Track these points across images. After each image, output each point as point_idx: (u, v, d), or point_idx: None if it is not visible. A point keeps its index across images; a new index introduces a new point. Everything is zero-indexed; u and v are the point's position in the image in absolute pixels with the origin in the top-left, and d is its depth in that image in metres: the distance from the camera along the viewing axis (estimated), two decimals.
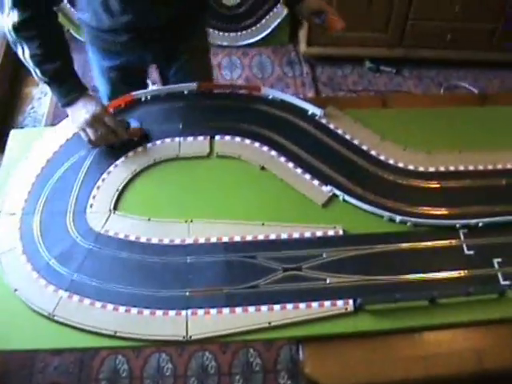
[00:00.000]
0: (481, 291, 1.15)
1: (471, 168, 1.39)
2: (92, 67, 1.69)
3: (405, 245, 1.22)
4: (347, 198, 1.29)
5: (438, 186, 1.35)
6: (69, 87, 1.35)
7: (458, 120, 1.52)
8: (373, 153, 1.40)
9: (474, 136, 1.48)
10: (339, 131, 1.44)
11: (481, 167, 1.40)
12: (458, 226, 1.26)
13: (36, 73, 1.32)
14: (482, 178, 1.38)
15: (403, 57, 3.04)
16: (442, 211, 1.29)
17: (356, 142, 1.42)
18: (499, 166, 1.40)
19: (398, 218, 1.25)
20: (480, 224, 1.26)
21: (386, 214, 1.26)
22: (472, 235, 1.25)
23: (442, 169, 1.38)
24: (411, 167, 1.38)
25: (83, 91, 1.36)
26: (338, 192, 1.30)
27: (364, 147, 1.41)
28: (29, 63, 1.32)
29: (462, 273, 1.19)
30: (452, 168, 1.39)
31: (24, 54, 1.30)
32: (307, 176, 1.33)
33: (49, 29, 1.33)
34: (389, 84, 2.99)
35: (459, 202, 1.31)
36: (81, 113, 1.32)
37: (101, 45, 1.56)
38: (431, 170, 1.38)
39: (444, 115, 1.53)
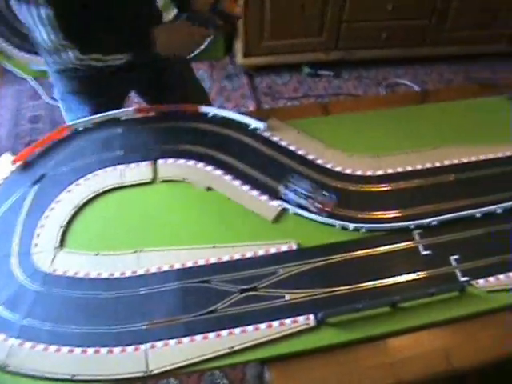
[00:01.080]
0: (441, 291, 1.16)
1: (419, 167, 1.42)
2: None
3: (360, 252, 1.23)
4: (297, 210, 1.29)
5: (388, 188, 1.37)
6: None
7: (401, 120, 1.55)
8: (319, 162, 1.41)
9: (418, 134, 1.51)
10: (283, 143, 1.45)
11: (429, 165, 1.43)
12: (411, 227, 1.27)
13: None
14: (431, 176, 1.40)
15: (341, 59, 3.09)
16: (395, 214, 1.31)
17: (301, 152, 1.43)
18: (446, 162, 1.44)
19: (351, 225, 1.26)
20: (433, 223, 1.28)
21: (339, 222, 1.27)
22: (427, 235, 1.27)
23: (390, 171, 1.40)
24: (359, 172, 1.40)
25: None
26: (287, 206, 1.31)
27: (310, 157, 1.42)
28: None
29: (421, 274, 1.21)
30: (400, 169, 1.41)
31: None
32: (255, 192, 1.33)
33: None
34: (328, 88, 3.03)
35: (411, 203, 1.33)
36: None
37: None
38: (380, 173, 1.40)
39: (387, 116, 1.56)
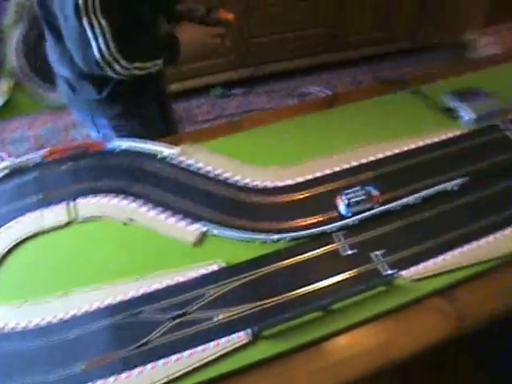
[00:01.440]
0: (368, 287, 1.19)
1: (337, 169, 1.47)
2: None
3: (286, 262, 1.25)
4: (218, 230, 1.31)
5: (307, 195, 1.40)
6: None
7: (309, 127, 1.59)
8: (236, 179, 1.43)
9: (328, 139, 1.55)
10: (198, 165, 1.46)
11: (346, 166, 1.48)
12: (333, 229, 1.31)
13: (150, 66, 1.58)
14: (349, 177, 1.45)
15: (251, 76, 3.13)
16: (315, 219, 1.34)
17: (217, 172, 1.44)
18: (363, 161, 1.49)
19: (275, 237, 1.28)
20: (353, 222, 1.32)
21: (262, 236, 1.29)
22: (349, 235, 1.31)
23: (309, 177, 1.43)
24: (278, 183, 1.42)
25: None
26: (207, 227, 1.32)
27: (226, 175, 1.43)
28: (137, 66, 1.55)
29: (347, 274, 1.23)
30: (319, 174, 1.44)
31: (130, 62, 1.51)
32: (174, 219, 1.33)
33: None
34: (242, 106, 3.08)
35: (328, 207, 1.36)
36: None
37: None
38: (297, 180, 1.43)
39: (296, 124, 1.60)
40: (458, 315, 1.21)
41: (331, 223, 1.31)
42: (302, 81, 3.31)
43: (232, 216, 1.35)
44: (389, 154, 1.53)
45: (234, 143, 1.55)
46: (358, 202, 1.36)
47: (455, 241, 1.31)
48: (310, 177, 1.44)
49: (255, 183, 1.42)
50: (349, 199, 1.36)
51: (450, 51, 3.50)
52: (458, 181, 1.43)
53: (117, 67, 1.50)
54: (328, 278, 1.22)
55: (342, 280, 1.23)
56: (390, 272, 1.23)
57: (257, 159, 1.48)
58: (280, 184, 1.42)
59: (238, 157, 1.49)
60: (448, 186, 1.42)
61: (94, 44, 1.44)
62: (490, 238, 1.32)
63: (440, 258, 1.27)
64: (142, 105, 1.84)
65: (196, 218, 1.34)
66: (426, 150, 1.54)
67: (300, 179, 1.43)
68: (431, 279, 1.24)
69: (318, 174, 1.45)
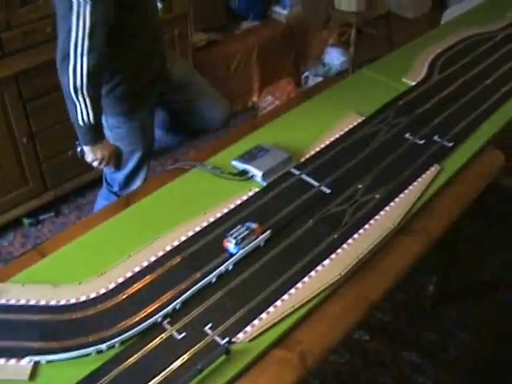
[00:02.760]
0: (209, 362, 1.23)
1: (145, 264, 1.50)
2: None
3: (123, 365, 1.25)
4: (48, 358, 1.29)
5: (124, 296, 1.41)
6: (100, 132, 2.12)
7: (109, 233, 1.63)
8: (52, 303, 1.41)
9: (128, 241, 1.59)
10: (11, 302, 1.43)
11: (153, 258, 1.52)
12: (159, 320, 1.34)
13: (89, 117, 1.99)
14: (159, 267, 1.49)
15: (56, 197, 3.12)
16: (143, 313, 1.36)
17: (32, 302, 1.42)
18: (168, 248, 1.54)
19: (103, 346, 1.29)
20: (177, 306, 1.36)
21: (91, 349, 1.28)
22: (177, 319, 1.34)
23: (120, 280, 1.46)
24: (93, 294, 1.43)
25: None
26: (38, 358, 1.29)
27: (41, 303, 1.42)
28: (87, 104, 1.96)
29: (186, 357, 1.26)
30: (129, 274, 1.47)
31: (85, 96, 1.95)
32: (2, 361, 1.29)
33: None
34: (55, 229, 3.05)
35: (150, 300, 1.39)
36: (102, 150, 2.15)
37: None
38: (114, 284, 1.44)
39: (97, 235, 1.63)
40: (300, 357, 1.29)
41: (155, 314, 1.34)
42: None
43: (59, 340, 1.33)
44: (197, 229, 1.60)
45: (43, 268, 1.54)
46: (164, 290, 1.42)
47: (277, 291, 1.40)
48: (121, 280, 1.46)
49: (73, 300, 1.42)
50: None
51: (241, 116, 3.74)
52: (263, 236, 1.53)
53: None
54: (169, 366, 1.25)
55: (184, 363, 1.25)
56: (225, 341, 1.28)
57: (70, 277, 1.48)
58: (96, 294, 1.43)
59: (50, 281, 1.48)
60: (256, 243, 1.51)
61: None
62: (306, 278, 1.44)
63: (268, 311, 1.35)
64: (142, 108, 2.31)
65: (24, 353, 1.30)
66: (231, 215, 1.64)
67: (113, 284, 1.45)
68: (265, 334, 1.31)
69: (129, 274, 1.48)
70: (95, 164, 2.19)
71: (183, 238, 1.58)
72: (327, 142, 1.95)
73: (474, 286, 2.96)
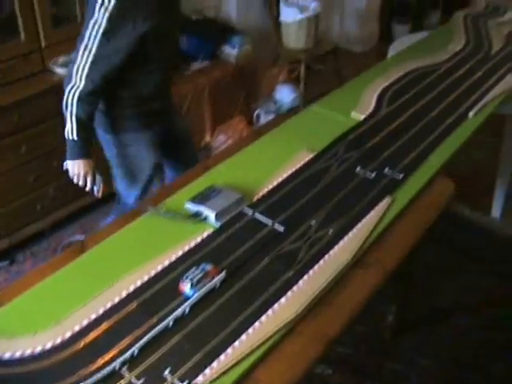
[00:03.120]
0: None
1: (101, 311, 1.49)
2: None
3: None
4: None
5: (81, 345, 1.40)
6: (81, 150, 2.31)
7: (65, 280, 1.62)
8: (6, 356, 1.39)
9: (83, 287, 1.58)
10: None
11: (109, 304, 1.50)
12: (118, 366, 1.32)
13: (73, 133, 2.24)
14: (115, 315, 1.48)
15: (10, 245, 3.08)
16: (101, 361, 1.35)
17: None
18: (124, 293, 1.53)
19: None
20: (135, 352, 1.35)
21: None
22: (135, 365, 1.33)
23: (77, 328, 1.44)
24: (49, 346, 1.41)
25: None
26: None
27: None
28: (73, 121, 2.21)
29: None
30: (85, 322, 1.46)
31: (72, 113, 2.20)
32: None
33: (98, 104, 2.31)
34: (10, 277, 3.00)
35: (106, 347, 1.38)
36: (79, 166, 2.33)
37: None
38: (67, 335, 1.42)
39: (53, 283, 1.61)
40: None
41: (113, 362, 1.33)
42: (65, 233, 3.33)
43: None
44: (153, 273, 1.60)
45: None
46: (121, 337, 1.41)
47: (234, 332, 1.41)
48: (77, 328, 1.44)
49: (28, 352, 1.39)
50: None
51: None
52: (219, 277, 1.54)
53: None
54: None
55: None
56: (187, 381, 1.28)
57: (25, 327, 1.46)
58: (56, 342, 1.41)
59: (5, 331, 1.45)
60: (211, 285, 1.52)
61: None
62: (263, 318, 1.45)
63: (226, 353, 1.35)
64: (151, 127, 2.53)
65: None
66: (185, 258, 1.64)
67: (69, 333, 1.43)
68: (225, 376, 1.31)
69: (85, 323, 1.46)
70: (75, 179, 2.38)
71: (139, 283, 1.57)
72: (279, 180, 1.98)
73: (432, 313, 3.01)
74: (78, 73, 2.16)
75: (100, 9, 2.09)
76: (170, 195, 1.93)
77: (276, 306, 1.49)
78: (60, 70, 3.04)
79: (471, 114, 2.51)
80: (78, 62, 2.16)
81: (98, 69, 2.16)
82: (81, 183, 2.39)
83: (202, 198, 1.82)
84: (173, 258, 1.65)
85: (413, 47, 3.39)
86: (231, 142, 3.69)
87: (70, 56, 2.55)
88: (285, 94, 4.33)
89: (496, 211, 3.81)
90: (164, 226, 1.79)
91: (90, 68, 2.15)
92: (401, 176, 2.03)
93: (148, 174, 2.59)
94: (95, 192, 2.45)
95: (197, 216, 1.79)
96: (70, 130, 2.24)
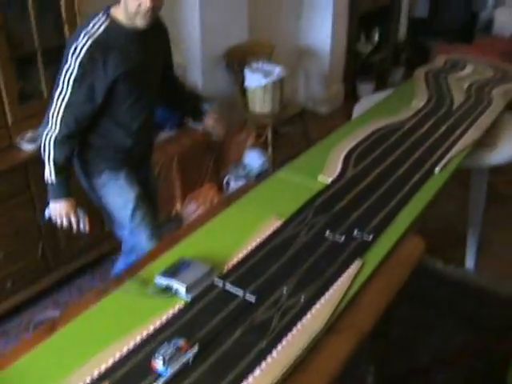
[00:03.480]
0: None
1: None
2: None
3: None
4: None
5: None
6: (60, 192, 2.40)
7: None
8: None
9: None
10: None
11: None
12: None
13: (51, 176, 2.36)
14: None
15: None
16: None
17: None
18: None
19: None
20: None
21: None
22: None
23: None
24: None
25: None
26: None
27: None
28: (50, 164, 2.33)
29: None
30: None
31: (49, 156, 2.33)
32: None
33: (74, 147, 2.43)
34: None
35: None
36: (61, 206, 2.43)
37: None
38: None
39: (25, 368, 1.58)
40: None
41: None
42: (36, 309, 3.28)
43: None
44: (125, 350, 1.58)
45: None
46: None
47: None
48: None
49: None
50: None
51: (166, 227, 3.75)
52: (191, 352, 1.52)
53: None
54: None
55: None
56: None
57: None
58: None
59: None
60: (184, 360, 1.50)
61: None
62: None
63: None
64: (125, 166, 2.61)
65: None
66: (157, 334, 1.62)
67: None
68: None
69: None
70: (57, 220, 2.47)
71: (111, 362, 1.55)
72: (249, 249, 1.98)
73: (410, 370, 2.98)
74: (53, 117, 2.29)
75: (72, 56, 2.21)
76: (140, 269, 1.92)
77: (251, 378, 1.47)
78: (27, 146, 3.03)
79: (437, 169, 2.56)
80: (53, 108, 2.29)
81: (72, 113, 2.28)
82: (65, 223, 2.47)
83: (171, 272, 1.81)
84: (144, 334, 1.63)
85: (377, 106, 3.46)
86: (202, 209, 3.70)
87: (38, 131, 2.68)
88: (253, 159, 4.38)
89: (469, 263, 3.84)
90: (135, 302, 1.77)
91: (64, 113, 2.27)
92: (370, 237, 2.05)
93: (132, 208, 2.64)
94: (81, 228, 2.51)
95: (167, 290, 1.78)
96: (49, 173, 2.35)
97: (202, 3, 4.29)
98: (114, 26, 2.27)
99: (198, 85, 4.49)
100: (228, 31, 4.65)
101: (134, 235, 2.68)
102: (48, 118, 2.31)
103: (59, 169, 2.35)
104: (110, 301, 1.79)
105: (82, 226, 2.51)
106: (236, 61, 4.69)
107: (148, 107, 2.57)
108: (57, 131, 2.30)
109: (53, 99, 2.29)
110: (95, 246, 3.56)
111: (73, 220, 2.47)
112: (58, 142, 2.31)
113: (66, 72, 2.23)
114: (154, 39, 2.45)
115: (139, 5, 2.19)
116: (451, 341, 3.17)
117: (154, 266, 1.92)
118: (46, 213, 2.48)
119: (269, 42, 4.96)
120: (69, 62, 2.22)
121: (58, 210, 2.44)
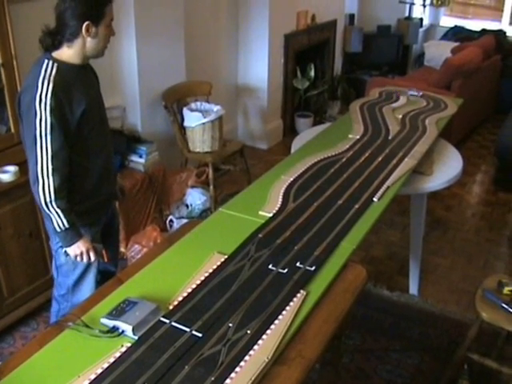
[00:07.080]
0: None
1: None
2: None
3: None
4: None
5: None
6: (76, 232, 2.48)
7: None
8: None
9: None
10: None
11: None
12: None
13: (63, 223, 2.40)
14: None
15: None
16: None
17: None
18: None
19: None
20: None
21: None
22: None
23: None
24: None
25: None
26: None
27: None
28: (58, 213, 2.37)
29: None
30: None
31: (55, 208, 2.35)
32: None
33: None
34: None
35: None
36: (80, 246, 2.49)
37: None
38: None
39: None
40: None
41: None
42: None
43: None
44: None
45: None
46: None
47: None
48: None
49: None
50: None
51: None
52: None
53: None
54: None
55: None
56: None
57: None
58: None
59: None
60: None
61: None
62: None
63: None
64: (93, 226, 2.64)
65: None
66: (105, 376, 1.63)
67: None
68: None
69: None
70: (79, 259, 2.54)
71: None
72: (194, 286, 2.01)
73: None
74: (43, 173, 2.29)
75: (40, 106, 2.22)
76: (85, 312, 1.92)
77: None
78: None
79: (376, 198, 2.65)
80: (39, 164, 2.29)
81: (59, 160, 2.30)
82: (85, 260, 2.55)
83: (117, 313, 1.83)
84: (92, 377, 1.63)
85: (315, 140, 3.55)
86: (146, 251, 3.70)
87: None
88: (195, 198, 4.41)
89: (413, 288, 3.94)
90: (81, 344, 1.77)
91: (52, 164, 2.29)
92: (313, 268, 2.11)
93: (81, 269, 2.67)
94: (103, 259, 2.67)
95: (114, 331, 1.79)
96: (60, 223, 2.39)
97: (139, 45, 4.36)
98: (63, 67, 2.31)
99: (137, 125, 4.53)
100: (166, 72, 4.72)
101: (76, 283, 2.71)
102: (36, 175, 2.31)
103: (66, 211, 2.38)
104: (56, 345, 1.79)
105: (103, 257, 2.64)
106: (174, 101, 4.75)
107: (109, 143, 2.63)
108: (52, 183, 2.31)
109: (35, 156, 2.28)
110: (39, 292, 3.51)
111: (92, 256, 2.55)
112: (57, 192, 2.33)
113: (40, 124, 2.24)
114: (91, 75, 2.55)
115: (110, 33, 2.38)
116: (402, 365, 3.24)
117: (99, 307, 1.93)
118: (64, 258, 2.59)
119: (207, 82, 5.04)
120: (39, 114, 2.23)
121: (78, 251, 2.50)
